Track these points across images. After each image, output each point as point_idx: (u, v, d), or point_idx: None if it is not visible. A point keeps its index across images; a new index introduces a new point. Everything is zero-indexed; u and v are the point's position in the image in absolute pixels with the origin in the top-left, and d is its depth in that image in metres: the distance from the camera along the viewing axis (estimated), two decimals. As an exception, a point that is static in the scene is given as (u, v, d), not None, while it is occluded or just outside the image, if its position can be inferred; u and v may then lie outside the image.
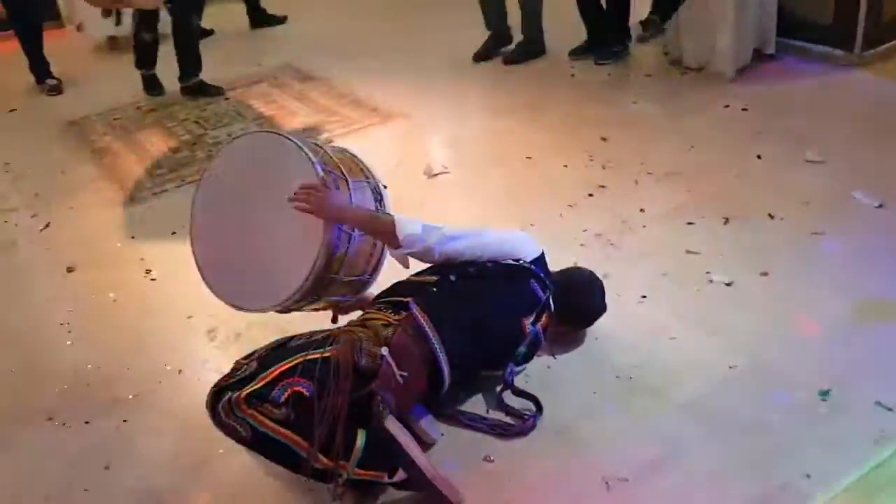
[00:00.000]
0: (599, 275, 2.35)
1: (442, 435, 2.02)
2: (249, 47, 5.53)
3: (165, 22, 4.53)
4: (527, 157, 3.49)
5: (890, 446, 1.88)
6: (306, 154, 2.03)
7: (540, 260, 2.22)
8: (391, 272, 2.22)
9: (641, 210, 2.97)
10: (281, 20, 5.95)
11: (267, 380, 1.81)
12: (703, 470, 1.88)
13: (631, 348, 2.28)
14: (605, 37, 4.45)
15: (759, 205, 2.91)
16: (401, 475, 1.85)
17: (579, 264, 2.45)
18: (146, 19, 4.43)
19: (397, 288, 2.18)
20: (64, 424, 2.24)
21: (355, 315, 2.19)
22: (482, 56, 4.67)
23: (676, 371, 2.18)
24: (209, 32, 5.45)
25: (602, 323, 2.32)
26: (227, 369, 1.94)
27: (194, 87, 4.58)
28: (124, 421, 2.22)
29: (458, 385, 2.06)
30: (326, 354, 1.87)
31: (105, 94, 4.76)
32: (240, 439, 1.82)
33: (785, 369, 2.15)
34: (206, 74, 4.61)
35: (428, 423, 2.01)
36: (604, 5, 4.40)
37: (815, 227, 2.74)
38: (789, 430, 1.96)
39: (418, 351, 1.95)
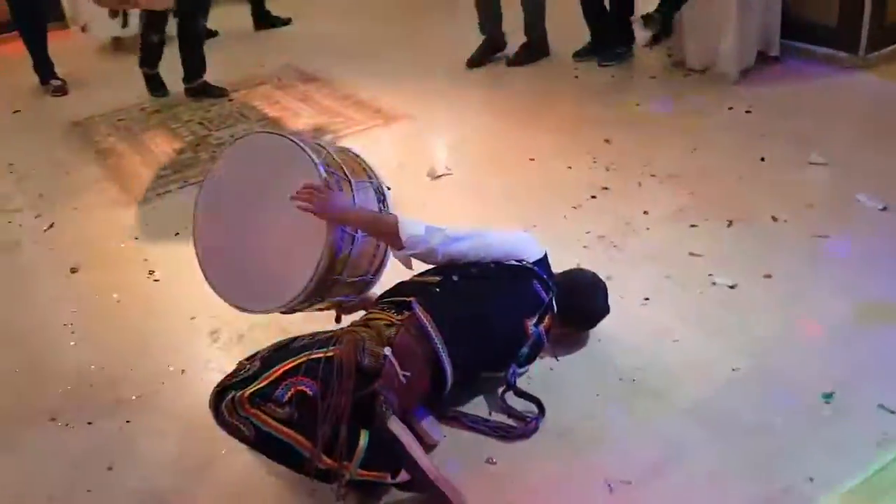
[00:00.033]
0: (602, 277, 2.35)
1: (444, 436, 2.02)
2: (253, 49, 5.53)
3: (171, 23, 4.53)
4: (530, 159, 3.49)
5: (893, 449, 1.87)
6: (309, 155, 2.03)
7: (543, 261, 2.22)
8: (394, 272, 2.22)
9: (645, 212, 2.97)
10: (285, 21, 5.96)
11: (270, 379, 1.81)
12: (705, 472, 1.88)
13: (634, 350, 2.28)
14: (609, 38, 4.45)
15: (762, 207, 2.91)
16: (403, 476, 1.85)
17: (582, 266, 2.44)
18: (154, 21, 4.42)
19: (400, 288, 2.18)
20: (67, 425, 2.24)
21: (358, 315, 2.20)
22: (476, 62, 4.62)
23: (679, 373, 2.18)
24: (214, 34, 5.45)
25: (605, 325, 2.32)
26: (229, 370, 1.94)
27: (198, 89, 4.58)
28: (127, 422, 2.23)
29: (460, 386, 2.06)
30: (330, 354, 1.87)
31: (109, 95, 4.76)
32: (243, 439, 1.83)
33: (788, 372, 2.15)
34: (210, 76, 4.61)
35: (430, 425, 2.01)
36: (607, 7, 4.40)
37: (819, 230, 2.74)
38: (792, 432, 1.95)
39: (421, 351, 1.96)
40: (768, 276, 2.53)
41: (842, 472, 1.83)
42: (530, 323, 2.11)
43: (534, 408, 2.07)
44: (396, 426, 1.87)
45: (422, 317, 1.98)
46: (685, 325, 2.35)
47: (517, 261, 2.17)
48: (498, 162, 3.54)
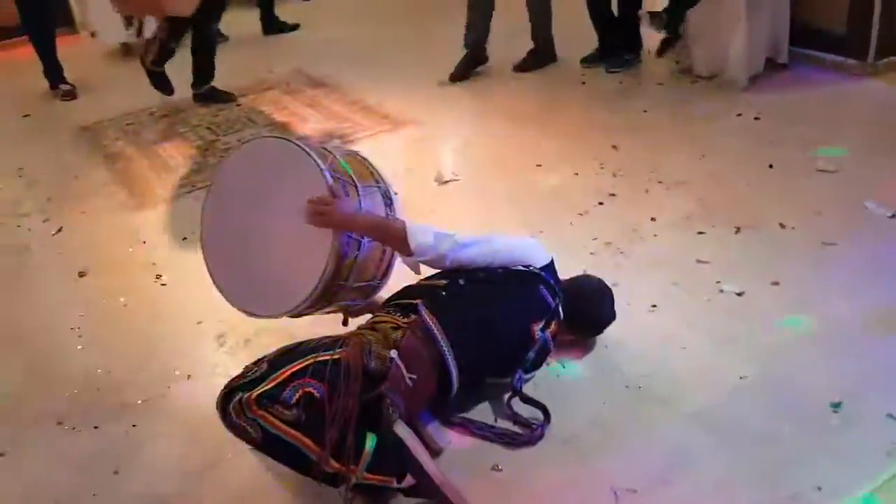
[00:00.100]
0: (609, 283, 2.34)
1: (450, 443, 2.02)
2: (262, 54, 5.56)
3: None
4: (537, 165, 3.49)
5: (902, 459, 1.86)
6: (315, 160, 2.03)
7: (549, 267, 2.22)
8: (401, 276, 2.22)
9: (652, 219, 2.96)
10: (293, 27, 5.99)
11: (278, 381, 1.81)
12: (712, 481, 1.86)
13: (640, 357, 2.27)
14: (617, 45, 4.45)
15: (770, 214, 2.90)
16: (409, 481, 1.85)
17: (589, 272, 2.44)
18: (178, 28, 4.26)
19: (407, 291, 2.18)
20: (73, 429, 2.25)
21: (365, 318, 2.20)
22: (459, 76, 4.56)
23: (686, 380, 2.17)
24: (223, 38, 5.48)
25: (611, 332, 2.31)
26: (236, 374, 1.93)
27: (206, 94, 4.60)
28: (133, 426, 2.23)
29: (466, 391, 2.06)
30: (336, 356, 1.87)
31: (118, 99, 4.79)
32: (250, 441, 1.82)
33: (796, 380, 2.14)
34: (219, 81, 4.63)
35: (436, 430, 2.01)
36: (615, 13, 4.40)
37: (827, 237, 2.73)
38: (800, 441, 1.94)
39: (427, 353, 1.95)
40: (776, 284, 2.52)
41: (850, 482, 1.82)
42: (537, 328, 2.11)
43: (539, 414, 2.06)
44: (403, 430, 1.86)
45: (428, 320, 1.98)
46: (692, 333, 2.35)
47: (524, 266, 2.17)
48: (505, 167, 3.54)
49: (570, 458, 1.97)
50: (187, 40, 4.46)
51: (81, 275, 3.01)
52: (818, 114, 3.69)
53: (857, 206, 2.89)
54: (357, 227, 2.04)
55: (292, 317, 2.16)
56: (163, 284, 2.90)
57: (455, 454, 1.99)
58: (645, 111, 3.94)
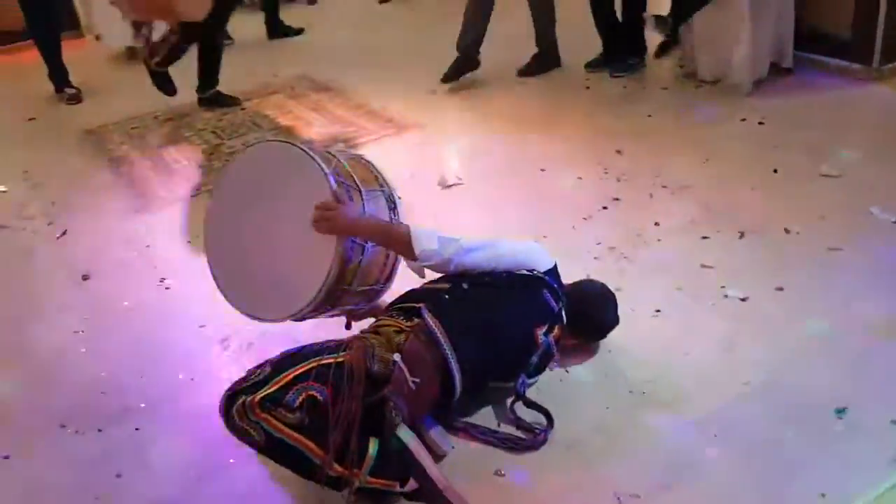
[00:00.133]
0: (613, 288, 2.34)
1: (453, 447, 2.01)
2: (266, 58, 5.57)
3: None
4: (541, 170, 3.49)
5: (906, 465, 1.85)
6: (319, 165, 2.03)
7: (553, 271, 2.22)
8: (405, 280, 2.21)
9: (656, 223, 2.95)
10: (298, 31, 6.00)
11: (281, 384, 1.81)
12: (715, 487, 1.86)
13: (644, 363, 2.26)
14: (621, 49, 4.45)
15: (775, 219, 2.89)
16: (412, 485, 1.85)
17: (592, 277, 2.43)
18: (191, 33, 4.20)
19: (410, 294, 2.18)
20: (77, 432, 2.25)
21: (368, 322, 2.20)
22: (450, 77, 4.55)
23: (690, 386, 2.16)
24: (230, 41, 5.48)
25: (615, 337, 2.31)
26: (239, 378, 1.94)
27: (212, 98, 4.60)
28: (136, 429, 2.23)
29: (469, 395, 2.05)
30: (340, 359, 1.87)
31: (123, 103, 4.80)
32: (253, 444, 1.82)
33: (800, 386, 2.13)
34: (223, 84, 4.64)
35: (439, 435, 2.01)
36: (619, 18, 4.40)
37: (832, 242, 2.72)
38: (804, 447, 1.94)
39: (430, 357, 1.95)
40: (780, 289, 2.52)
41: (854, 489, 1.81)
42: (540, 332, 2.11)
43: (543, 419, 2.06)
44: (406, 434, 1.86)
45: (431, 323, 1.98)
46: (696, 338, 2.34)
47: (528, 270, 2.17)
48: (509, 172, 3.54)
49: (574, 463, 1.97)
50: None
51: (85, 278, 3.01)
52: (823, 118, 3.68)
53: (863, 212, 2.88)
54: (361, 231, 2.04)
55: (295, 321, 2.16)
56: (167, 288, 2.90)
57: (458, 459, 1.99)
58: (649, 116, 3.94)
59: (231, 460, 2.04)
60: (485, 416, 2.13)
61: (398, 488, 1.85)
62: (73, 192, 3.77)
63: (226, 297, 2.17)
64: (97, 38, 5.98)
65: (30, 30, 4.96)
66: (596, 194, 3.21)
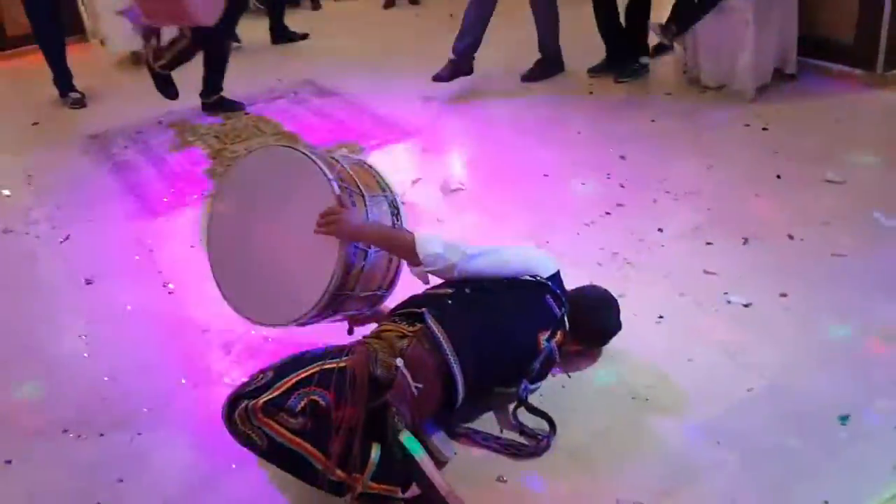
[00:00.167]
0: (616, 294, 2.33)
1: (455, 453, 2.01)
2: (271, 63, 5.58)
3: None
4: (544, 175, 3.48)
5: (910, 472, 1.85)
6: (322, 170, 2.03)
7: (556, 277, 2.22)
8: (408, 285, 2.21)
9: (659, 229, 2.95)
10: (302, 36, 6.01)
11: (283, 388, 1.81)
12: (718, 493, 1.85)
13: (647, 369, 2.26)
14: (625, 55, 4.45)
15: (778, 225, 2.89)
16: (414, 490, 1.84)
17: (596, 283, 2.43)
18: (201, 38, 4.19)
19: (413, 300, 2.18)
20: (79, 436, 2.25)
21: (371, 327, 2.20)
22: (443, 78, 4.51)
23: (692, 392, 2.16)
24: (237, 44, 5.48)
25: (618, 342, 2.31)
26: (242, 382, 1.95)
27: (216, 104, 4.61)
28: (139, 434, 2.23)
29: (471, 401, 2.05)
30: (342, 364, 1.87)
31: (127, 108, 4.81)
32: (255, 448, 1.82)
33: (803, 393, 2.12)
34: (227, 89, 4.64)
35: (441, 441, 2.00)
36: (623, 23, 4.40)
37: (836, 248, 2.71)
38: (807, 454, 1.93)
39: (433, 362, 1.95)
40: (784, 295, 2.51)
41: (858, 495, 1.80)
42: (543, 338, 2.10)
43: (545, 425, 2.06)
44: (408, 440, 1.86)
45: (434, 328, 1.98)
46: (699, 344, 2.33)
47: (531, 276, 2.17)
48: (512, 177, 3.54)
49: (576, 469, 1.96)
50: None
51: (88, 282, 3.01)
52: (827, 124, 3.68)
53: (866, 217, 2.88)
54: (365, 237, 2.04)
55: (298, 326, 2.16)
56: (170, 292, 2.90)
57: (460, 465, 1.99)
58: (653, 121, 3.94)
59: (233, 465, 2.04)
60: (487, 422, 2.12)
61: (400, 494, 1.84)
62: (77, 197, 3.77)
63: (228, 301, 2.17)
64: (102, 42, 5.99)
65: (35, 34, 4.98)
66: (599, 200, 3.21)
